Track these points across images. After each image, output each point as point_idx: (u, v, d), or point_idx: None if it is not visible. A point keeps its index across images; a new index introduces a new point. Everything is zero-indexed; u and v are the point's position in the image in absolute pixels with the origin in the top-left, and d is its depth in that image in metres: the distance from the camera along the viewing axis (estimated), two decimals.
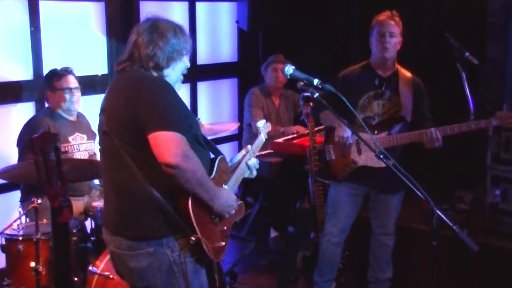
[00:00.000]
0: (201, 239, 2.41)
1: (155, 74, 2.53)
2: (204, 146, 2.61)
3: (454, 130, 3.66)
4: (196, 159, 2.37)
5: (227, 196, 2.57)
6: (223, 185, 2.65)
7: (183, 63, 2.61)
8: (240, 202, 2.73)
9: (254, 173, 2.93)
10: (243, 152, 2.95)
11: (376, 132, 3.80)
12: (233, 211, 2.63)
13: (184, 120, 2.43)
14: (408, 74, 3.93)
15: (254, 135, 5.34)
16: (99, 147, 2.58)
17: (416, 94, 3.87)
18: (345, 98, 3.58)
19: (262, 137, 3.19)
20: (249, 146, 2.98)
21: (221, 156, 2.71)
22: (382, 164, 3.70)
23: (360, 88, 3.86)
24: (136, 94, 2.39)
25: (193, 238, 2.40)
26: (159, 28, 2.53)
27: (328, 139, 4.01)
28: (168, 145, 2.30)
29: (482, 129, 3.69)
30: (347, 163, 3.88)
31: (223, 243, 2.63)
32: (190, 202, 2.39)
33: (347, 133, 3.76)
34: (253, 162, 2.93)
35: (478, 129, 3.66)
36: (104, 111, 2.53)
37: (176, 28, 2.57)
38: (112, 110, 2.48)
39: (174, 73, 2.59)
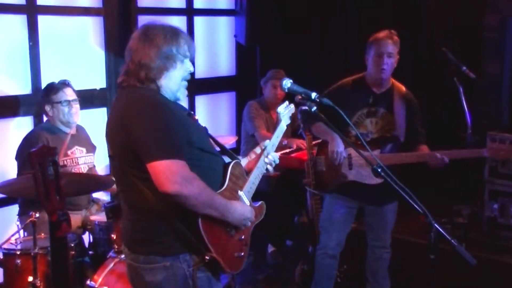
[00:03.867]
0: (215, 257, 2.37)
1: (151, 86, 2.40)
2: (214, 153, 2.53)
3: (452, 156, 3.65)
4: (198, 182, 2.28)
5: (241, 208, 2.49)
6: (239, 192, 2.56)
7: (182, 69, 2.47)
8: (260, 203, 2.65)
9: (271, 169, 2.77)
10: (258, 149, 2.79)
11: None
12: (249, 222, 2.56)
13: (180, 141, 2.32)
14: (402, 89, 3.89)
15: (256, 145, 5.33)
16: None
17: (409, 110, 3.84)
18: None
19: (283, 125, 2.89)
20: (267, 141, 2.78)
21: (235, 161, 2.61)
22: (372, 182, 3.74)
23: (353, 105, 3.79)
24: (127, 123, 2.31)
25: (207, 257, 2.36)
26: (149, 35, 2.41)
27: (320, 150, 4.00)
28: (165, 174, 2.22)
29: (474, 158, 3.69)
30: (337, 177, 3.87)
31: (242, 253, 2.55)
32: (200, 222, 2.32)
33: (340, 148, 3.75)
34: (273, 157, 2.75)
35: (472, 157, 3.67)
36: (107, 135, 2.48)
37: (167, 33, 2.42)
38: (112, 136, 2.44)
39: (171, 82, 2.45)
